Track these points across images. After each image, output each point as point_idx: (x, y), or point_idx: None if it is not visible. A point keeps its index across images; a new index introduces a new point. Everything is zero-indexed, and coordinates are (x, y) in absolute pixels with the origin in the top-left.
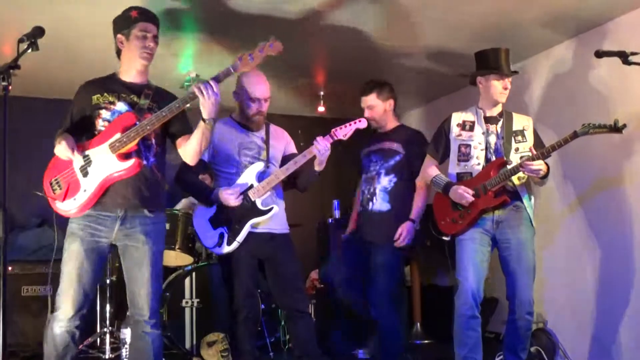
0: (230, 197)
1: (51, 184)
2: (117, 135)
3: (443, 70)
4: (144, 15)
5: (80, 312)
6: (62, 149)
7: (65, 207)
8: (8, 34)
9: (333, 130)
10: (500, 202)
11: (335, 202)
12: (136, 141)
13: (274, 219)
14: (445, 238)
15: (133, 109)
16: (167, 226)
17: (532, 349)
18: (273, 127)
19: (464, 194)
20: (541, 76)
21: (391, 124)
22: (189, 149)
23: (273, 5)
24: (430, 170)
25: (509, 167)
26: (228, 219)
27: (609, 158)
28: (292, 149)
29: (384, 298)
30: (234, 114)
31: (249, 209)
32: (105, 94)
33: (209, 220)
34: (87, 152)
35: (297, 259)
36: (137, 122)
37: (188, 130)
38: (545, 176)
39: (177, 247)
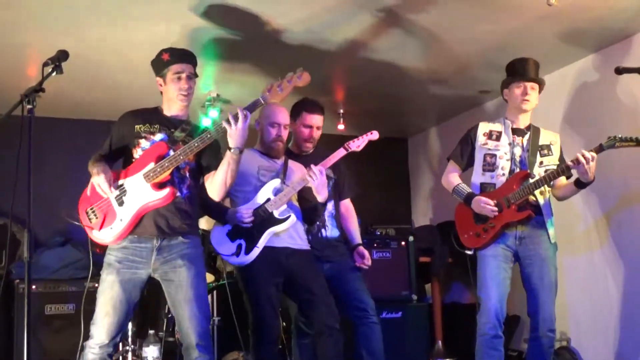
0: (242, 217)
1: (87, 213)
2: (151, 165)
3: (459, 90)
4: (175, 56)
5: (114, 341)
6: (99, 183)
7: (102, 236)
8: (33, 56)
9: (346, 143)
10: (525, 216)
11: None
12: (170, 171)
13: (293, 236)
14: (468, 252)
15: (168, 140)
16: None
17: None
18: (292, 162)
19: (487, 205)
20: (563, 92)
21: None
22: (215, 181)
23: (293, 30)
24: (453, 178)
25: (531, 180)
26: (246, 231)
27: (633, 174)
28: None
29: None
30: (256, 145)
31: (267, 219)
32: (148, 125)
33: (227, 234)
34: (121, 182)
35: (321, 275)
36: (170, 152)
37: (217, 165)
38: (587, 184)
39: None
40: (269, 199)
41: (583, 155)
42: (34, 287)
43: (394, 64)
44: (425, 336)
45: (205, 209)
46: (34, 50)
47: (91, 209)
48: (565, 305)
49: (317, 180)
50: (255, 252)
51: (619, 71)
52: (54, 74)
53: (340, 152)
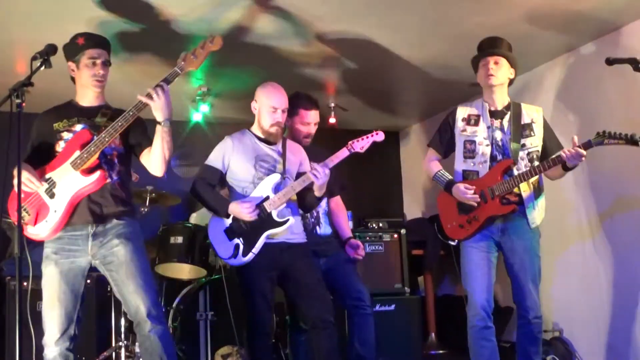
0: (245, 211)
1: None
2: (77, 153)
3: (451, 83)
4: (91, 41)
5: (67, 334)
6: (27, 177)
7: (37, 230)
8: (22, 52)
9: (350, 142)
10: (509, 210)
11: (349, 214)
12: (97, 155)
13: (290, 229)
14: (452, 243)
15: (89, 127)
16: (181, 239)
17: (548, 358)
18: (290, 142)
19: (467, 192)
20: (551, 85)
21: None
22: (153, 158)
23: (282, 28)
24: (433, 165)
25: (516, 171)
26: (244, 230)
27: (626, 167)
28: (306, 167)
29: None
30: (252, 127)
31: (265, 220)
32: (66, 120)
33: (224, 232)
34: (48, 175)
35: (317, 268)
36: (94, 138)
37: (148, 142)
38: (571, 168)
39: (190, 260)
40: (268, 197)
41: (570, 150)
42: (25, 284)
43: (384, 57)
44: (419, 329)
45: (204, 202)
46: (22, 46)
47: (22, 207)
48: (557, 297)
49: (322, 179)
50: (251, 256)
51: (610, 62)
52: (43, 68)
53: (343, 153)
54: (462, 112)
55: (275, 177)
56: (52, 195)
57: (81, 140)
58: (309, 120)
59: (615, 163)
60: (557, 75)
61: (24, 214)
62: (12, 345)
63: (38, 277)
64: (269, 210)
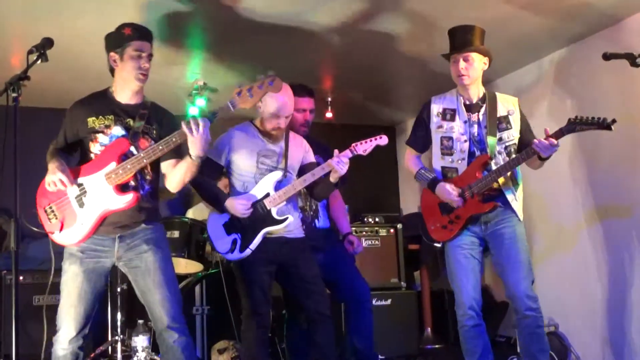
0: (238, 207)
1: (46, 211)
2: (113, 165)
3: (447, 78)
4: (138, 32)
5: (82, 333)
6: (60, 178)
7: (63, 239)
8: (18, 45)
9: (353, 145)
10: (490, 208)
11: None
12: (132, 173)
13: (288, 225)
14: (437, 245)
15: (127, 133)
16: (177, 234)
17: None
18: (292, 135)
19: (451, 193)
20: (547, 80)
21: None
22: (172, 180)
23: (279, 15)
24: (412, 163)
25: (494, 166)
26: (242, 226)
27: (624, 172)
28: (311, 157)
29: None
30: (256, 121)
31: (264, 217)
32: (101, 117)
33: (223, 226)
34: (81, 180)
35: (314, 263)
36: (131, 148)
37: (176, 155)
38: (546, 158)
39: (187, 254)
40: (268, 194)
41: (541, 141)
42: (21, 278)
43: (381, 51)
44: (415, 323)
45: (204, 194)
46: (19, 40)
47: (50, 207)
48: (552, 292)
49: (344, 170)
50: (248, 252)
51: (607, 57)
52: (39, 61)
53: (347, 155)
54: (436, 106)
55: (277, 175)
56: (81, 205)
57: (119, 151)
58: (303, 107)
59: (611, 159)
60: (554, 69)
61: (51, 215)
62: (8, 338)
63: (34, 271)
64: (268, 208)
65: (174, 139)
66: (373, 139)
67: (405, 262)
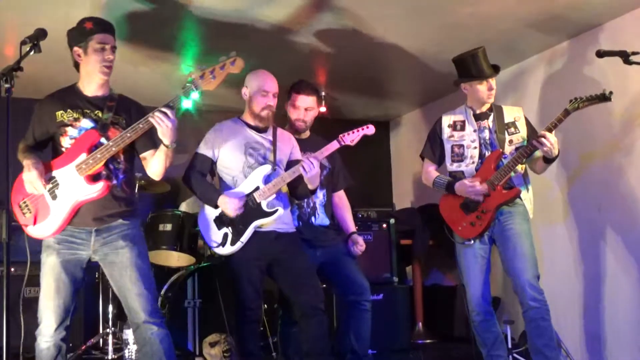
0: (231, 206)
1: (20, 206)
2: (83, 156)
3: (441, 73)
4: (100, 25)
5: (64, 324)
6: (31, 180)
7: (37, 231)
8: (11, 36)
9: (340, 135)
10: (515, 194)
11: None
12: (103, 162)
13: (279, 219)
14: (468, 243)
15: (97, 125)
16: (170, 227)
17: None
18: (280, 131)
19: (473, 183)
20: (540, 77)
21: (308, 132)
22: (152, 169)
23: (274, 17)
24: (431, 173)
25: (505, 159)
26: (233, 220)
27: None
28: (297, 154)
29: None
30: (242, 115)
31: (254, 210)
32: (69, 110)
33: (214, 220)
34: (53, 174)
35: (307, 257)
36: (101, 139)
37: (152, 145)
38: (553, 159)
39: (179, 247)
40: (257, 187)
41: (543, 136)
42: (12, 269)
43: (375, 46)
44: (406, 318)
45: (195, 190)
46: (12, 30)
47: (24, 202)
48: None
49: (311, 172)
50: (239, 245)
51: (601, 54)
52: (32, 52)
53: (334, 145)
54: (447, 119)
55: (266, 168)
56: (54, 197)
57: (89, 142)
58: (299, 104)
59: (604, 158)
60: (549, 67)
61: (25, 209)
62: None
63: (23, 262)
64: (258, 201)
65: (140, 126)
66: (360, 128)
67: (398, 257)
